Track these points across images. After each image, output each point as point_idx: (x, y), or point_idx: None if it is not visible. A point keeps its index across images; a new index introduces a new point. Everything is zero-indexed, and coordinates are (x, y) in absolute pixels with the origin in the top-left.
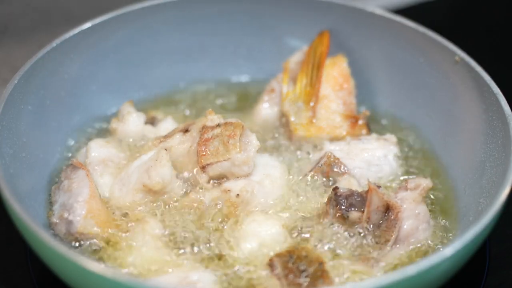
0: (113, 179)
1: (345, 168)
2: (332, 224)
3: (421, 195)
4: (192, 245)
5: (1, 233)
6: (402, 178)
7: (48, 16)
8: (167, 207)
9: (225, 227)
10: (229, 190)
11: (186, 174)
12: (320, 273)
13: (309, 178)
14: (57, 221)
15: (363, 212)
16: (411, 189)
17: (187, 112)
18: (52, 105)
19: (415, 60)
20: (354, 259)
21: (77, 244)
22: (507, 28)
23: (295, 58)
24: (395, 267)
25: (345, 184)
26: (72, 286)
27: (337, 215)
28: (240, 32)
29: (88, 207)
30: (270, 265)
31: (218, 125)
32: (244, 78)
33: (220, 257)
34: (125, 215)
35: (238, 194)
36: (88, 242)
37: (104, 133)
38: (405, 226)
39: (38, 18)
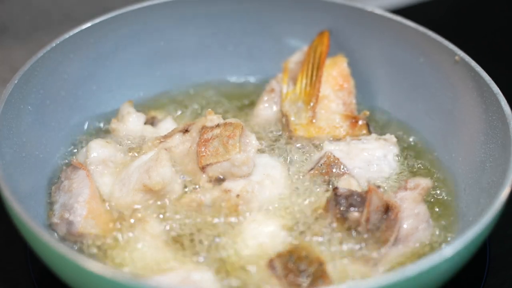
0: (113, 179)
1: (345, 168)
2: (332, 224)
3: (421, 195)
4: (192, 245)
5: (1, 233)
6: (401, 178)
7: (48, 16)
8: (167, 207)
9: (225, 227)
10: (229, 190)
11: (186, 174)
12: (320, 273)
13: (308, 178)
14: (58, 221)
15: (362, 212)
16: (410, 189)
17: (187, 112)
18: (52, 105)
19: (415, 60)
20: (354, 259)
21: (77, 244)
22: (507, 28)
23: (295, 58)
24: (395, 267)
25: (344, 184)
26: (72, 286)
27: (336, 215)
28: (240, 32)
29: (89, 208)
30: (270, 265)
31: (218, 126)
32: (244, 78)
33: (220, 257)
34: (126, 215)
35: (238, 194)
36: (88, 242)
37: (104, 133)
38: (404, 226)
39: (38, 18)
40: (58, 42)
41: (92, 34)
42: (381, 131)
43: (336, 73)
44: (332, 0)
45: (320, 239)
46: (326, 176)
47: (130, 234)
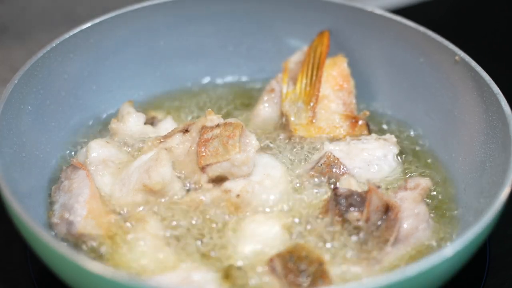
0: (113, 179)
1: (345, 168)
2: (332, 224)
3: (421, 195)
4: (193, 245)
5: (1, 233)
6: (401, 178)
7: (48, 16)
8: (167, 207)
9: (225, 227)
10: (229, 190)
11: (186, 174)
12: (320, 273)
13: (308, 178)
14: (58, 221)
15: (362, 212)
16: (410, 189)
17: (187, 112)
18: (52, 105)
19: (415, 60)
20: (354, 259)
21: (77, 244)
22: (507, 28)
23: (295, 58)
24: (395, 267)
25: (344, 184)
26: (72, 286)
27: (336, 215)
28: (240, 32)
29: (89, 208)
30: (270, 265)
31: (218, 126)
32: (244, 78)
33: (220, 257)
34: (126, 215)
35: (238, 195)
36: (88, 242)
37: (104, 133)
38: (404, 226)
39: (38, 18)
40: (58, 42)
41: (92, 34)
42: (381, 131)
43: (336, 73)
44: (332, 0)
45: (320, 239)
46: (326, 176)
47: (130, 234)
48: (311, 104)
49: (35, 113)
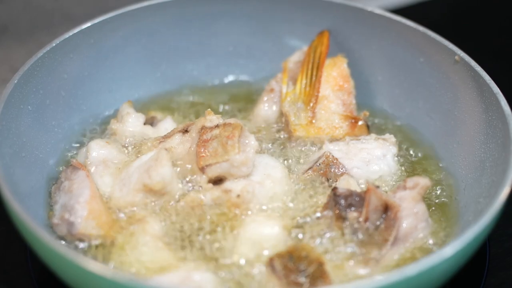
0: (114, 180)
1: (344, 168)
2: (331, 224)
3: (420, 194)
4: (193, 245)
5: (1, 233)
6: (400, 177)
7: (48, 16)
8: (167, 207)
9: (225, 227)
10: (229, 191)
11: (186, 174)
12: (319, 273)
13: (308, 178)
14: (58, 222)
15: (361, 212)
16: (409, 188)
17: (187, 113)
18: (52, 105)
19: (415, 60)
20: (354, 259)
21: (77, 244)
22: (507, 28)
23: (295, 58)
24: (395, 267)
25: (344, 184)
26: (72, 286)
27: (336, 215)
28: (240, 32)
29: (89, 208)
30: (270, 265)
31: (217, 126)
32: (244, 78)
33: (220, 257)
34: (126, 215)
35: (238, 195)
36: (88, 243)
37: (104, 133)
38: (404, 225)
39: (38, 18)
40: (58, 42)
41: (92, 34)
42: (381, 131)
43: (336, 73)
44: (332, 0)
45: (320, 239)
46: (324, 176)
47: (130, 235)
48: (311, 104)
49: (35, 113)
